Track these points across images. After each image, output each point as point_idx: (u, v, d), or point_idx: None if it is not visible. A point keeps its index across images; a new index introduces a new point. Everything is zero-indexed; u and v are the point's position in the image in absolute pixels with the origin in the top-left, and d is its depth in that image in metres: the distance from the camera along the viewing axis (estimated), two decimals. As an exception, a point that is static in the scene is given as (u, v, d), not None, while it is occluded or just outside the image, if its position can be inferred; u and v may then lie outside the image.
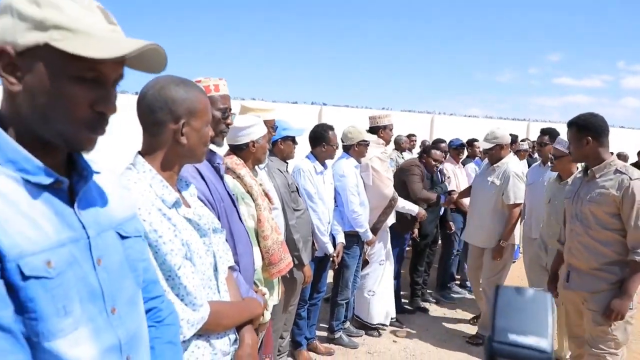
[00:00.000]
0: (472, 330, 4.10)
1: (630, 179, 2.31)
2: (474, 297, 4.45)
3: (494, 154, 3.78)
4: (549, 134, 4.01)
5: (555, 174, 3.38)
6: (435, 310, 4.58)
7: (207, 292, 1.25)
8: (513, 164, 3.75)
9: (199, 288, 1.18)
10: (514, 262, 5.08)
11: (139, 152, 1.21)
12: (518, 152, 5.72)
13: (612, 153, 2.55)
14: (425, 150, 4.57)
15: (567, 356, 3.33)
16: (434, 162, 4.36)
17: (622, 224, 2.34)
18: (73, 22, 0.71)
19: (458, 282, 5.22)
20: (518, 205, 3.66)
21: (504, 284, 3.72)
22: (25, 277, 0.66)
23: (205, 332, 1.22)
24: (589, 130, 2.45)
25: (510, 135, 5.67)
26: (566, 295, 2.62)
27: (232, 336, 1.32)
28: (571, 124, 2.54)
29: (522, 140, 6.75)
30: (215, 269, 1.30)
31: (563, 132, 2.98)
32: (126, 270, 0.87)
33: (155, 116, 1.16)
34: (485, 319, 3.91)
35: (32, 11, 0.69)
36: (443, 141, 4.86)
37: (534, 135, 15.37)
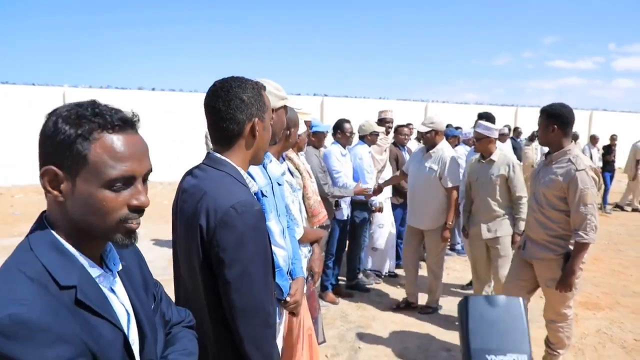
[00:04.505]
0: (454, 280, 5.17)
1: (577, 169, 2.54)
2: (453, 259, 5.66)
3: (429, 138, 3.99)
4: (486, 117, 4.41)
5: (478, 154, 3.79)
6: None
7: (299, 221, 2.28)
8: (448, 150, 4.00)
9: (298, 217, 2.21)
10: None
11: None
12: (500, 136, 6.69)
13: (573, 140, 2.75)
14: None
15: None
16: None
17: (568, 206, 2.61)
18: (285, 95, 1.76)
19: (449, 246, 6.27)
20: (456, 187, 3.95)
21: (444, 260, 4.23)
22: (262, 195, 1.68)
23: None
24: (556, 119, 2.64)
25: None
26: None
27: (309, 247, 2.36)
28: (542, 111, 2.72)
29: (504, 126, 7.80)
30: (300, 210, 2.33)
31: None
32: (282, 199, 1.90)
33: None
34: (433, 290, 4.31)
35: (279, 93, 1.74)
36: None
37: (522, 120, 16.14)
